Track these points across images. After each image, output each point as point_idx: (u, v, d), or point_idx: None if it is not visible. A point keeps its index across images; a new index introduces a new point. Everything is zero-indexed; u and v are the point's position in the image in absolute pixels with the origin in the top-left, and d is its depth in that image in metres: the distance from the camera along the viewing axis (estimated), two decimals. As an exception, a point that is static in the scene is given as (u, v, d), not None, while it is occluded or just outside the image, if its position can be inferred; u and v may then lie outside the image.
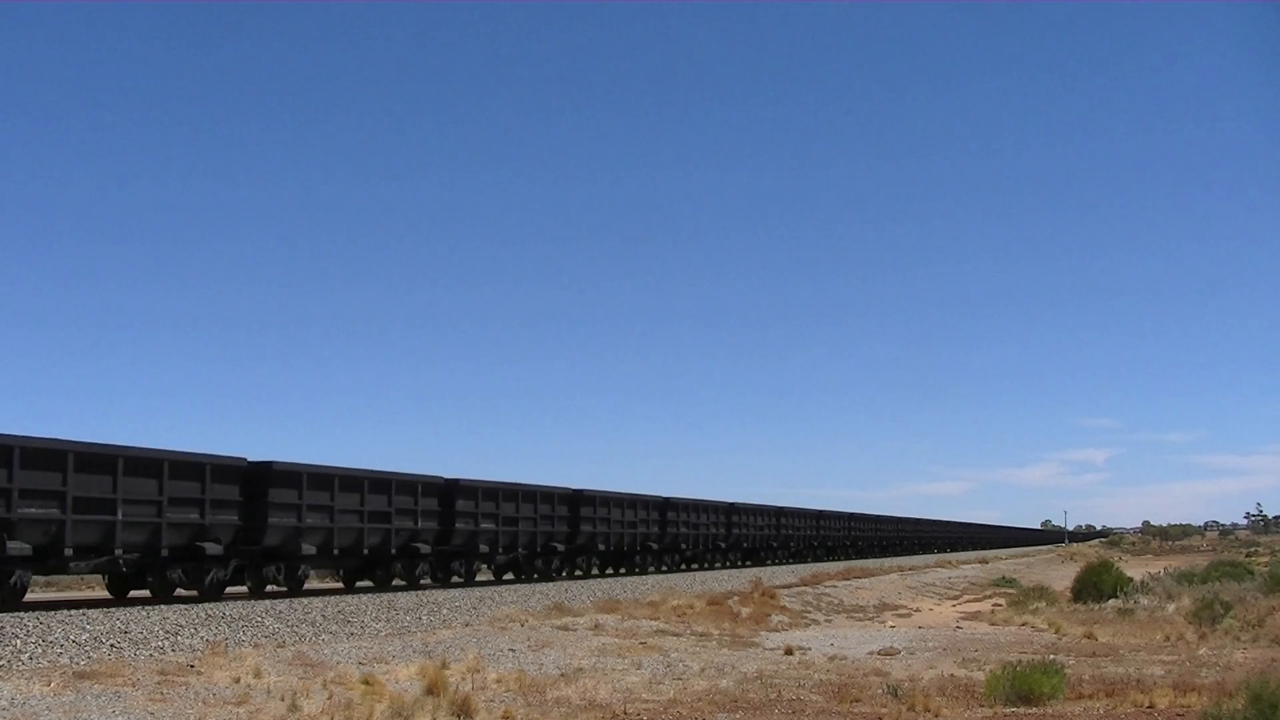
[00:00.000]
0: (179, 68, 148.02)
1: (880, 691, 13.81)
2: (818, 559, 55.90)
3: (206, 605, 19.28)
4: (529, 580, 31.17)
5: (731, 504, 45.45)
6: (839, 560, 56.41)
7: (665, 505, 38.98)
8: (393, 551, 25.62)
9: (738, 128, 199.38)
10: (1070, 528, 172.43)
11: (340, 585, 27.02)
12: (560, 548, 32.45)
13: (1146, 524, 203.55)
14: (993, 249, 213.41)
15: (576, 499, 33.37)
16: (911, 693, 13.26)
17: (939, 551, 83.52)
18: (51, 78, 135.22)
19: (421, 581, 26.80)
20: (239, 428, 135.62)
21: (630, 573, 36.90)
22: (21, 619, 15.68)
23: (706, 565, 43.10)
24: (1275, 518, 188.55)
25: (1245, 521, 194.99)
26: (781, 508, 52.24)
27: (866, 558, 62.33)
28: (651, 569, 38.58)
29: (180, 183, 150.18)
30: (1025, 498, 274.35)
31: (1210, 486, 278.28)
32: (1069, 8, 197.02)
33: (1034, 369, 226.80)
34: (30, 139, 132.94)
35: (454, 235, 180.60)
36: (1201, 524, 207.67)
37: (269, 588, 22.80)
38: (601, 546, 34.80)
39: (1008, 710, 12.63)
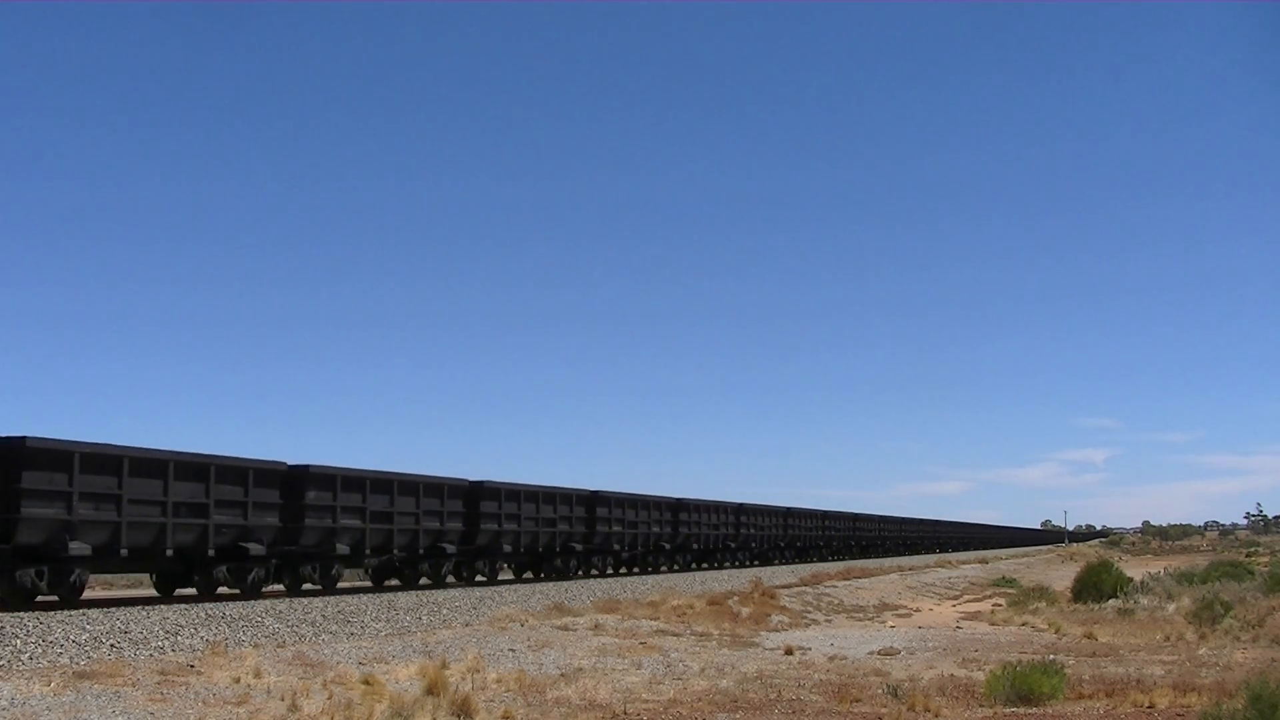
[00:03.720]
0: (179, 68, 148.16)
1: (880, 691, 13.80)
2: (823, 559, 56.49)
3: (206, 605, 19.29)
4: (550, 579, 31.91)
5: (740, 504, 45.66)
6: (844, 560, 56.64)
7: (678, 506, 39.41)
8: (421, 551, 26.55)
9: (738, 128, 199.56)
10: (1070, 528, 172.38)
11: (369, 584, 27.64)
12: (578, 547, 33.28)
13: (1146, 524, 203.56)
14: (993, 249, 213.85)
15: (593, 500, 34.14)
16: (911, 693, 13.25)
17: (939, 551, 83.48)
18: (51, 78, 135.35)
19: (447, 580, 27.65)
20: (247, 427, 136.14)
21: (644, 572, 37.69)
22: (21, 619, 15.68)
23: (716, 565, 43.41)
24: (1275, 518, 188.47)
25: (1245, 521, 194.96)
26: (789, 508, 52.59)
27: (869, 557, 62.45)
28: (664, 568, 39.42)
29: (180, 183, 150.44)
30: (1025, 498, 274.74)
31: (1210, 486, 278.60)
32: (1069, 8, 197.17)
33: (1034, 369, 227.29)
34: (30, 139, 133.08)
35: (459, 236, 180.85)
36: (1201, 524, 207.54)
37: (304, 586, 23.72)
38: (617, 546, 35.58)
39: (1008, 710, 12.62)
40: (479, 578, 29.19)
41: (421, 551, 26.50)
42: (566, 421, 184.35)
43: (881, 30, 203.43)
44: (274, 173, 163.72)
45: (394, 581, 27.15)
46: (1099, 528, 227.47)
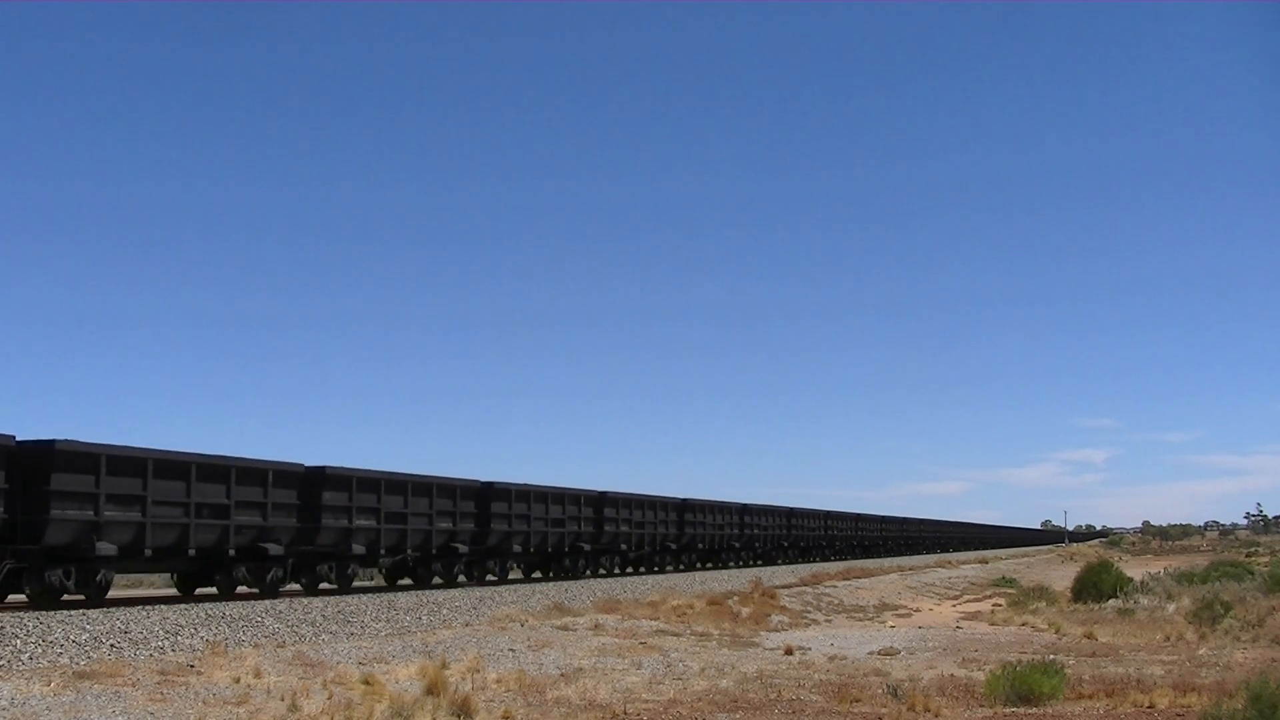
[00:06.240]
0: (179, 68, 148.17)
1: (880, 691, 13.80)
2: (825, 559, 58.07)
3: (206, 605, 19.32)
4: (649, 573, 37.55)
5: (745, 505, 47.73)
6: (846, 560, 57.36)
7: (683, 507, 41.14)
8: (565, 549, 32.58)
9: (738, 128, 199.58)
10: (1070, 528, 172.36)
11: (520, 577, 32.83)
12: (674, 546, 39.87)
13: (1146, 524, 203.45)
14: (993, 249, 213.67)
15: (683, 507, 40.44)
16: (911, 693, 13.25)
17: (939, 551, 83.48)
18: (51, 78, 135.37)
19: (585, 573, 33.47)
20: (245, 427, 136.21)
21: (717, 567, 43.72)
22: (21, 619, 15.68)
23: (720, 565, 45.11)
24: (1275, 518, 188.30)
25: (1245, 521, 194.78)
26: (792, 508, 54.31)
27: (870, 557, 62.77)
28: (731, 564, 45.48)
29: (180, 183, 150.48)
30: (1025, 498, 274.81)
31: (1210, 486, 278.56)
32: (1069, 8, 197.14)
33: (1034, 369, 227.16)
34: (30, 139, 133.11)
35: (459, 236, 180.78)
36: (1201, 524, 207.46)
37: (488, 578, 29.78)
38: (700, 545, 42.00)
39: (1008, 710, 12.62)
40: (601, 570, 34.88)
41: (566, 549, 32.51)
42: (564, 421, 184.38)
43: (881, 30, 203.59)
44: (274, 173, 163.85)
45: (537, 574, 33.07)
46: (1099, 528, 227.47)
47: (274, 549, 22.04)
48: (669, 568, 39.54)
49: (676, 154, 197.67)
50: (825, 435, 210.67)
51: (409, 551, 26.22)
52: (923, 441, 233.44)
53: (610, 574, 35.22)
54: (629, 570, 37.46)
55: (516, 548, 30.27)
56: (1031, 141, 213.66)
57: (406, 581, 27.80)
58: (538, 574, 33.03)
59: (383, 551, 25.18)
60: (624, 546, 35.97)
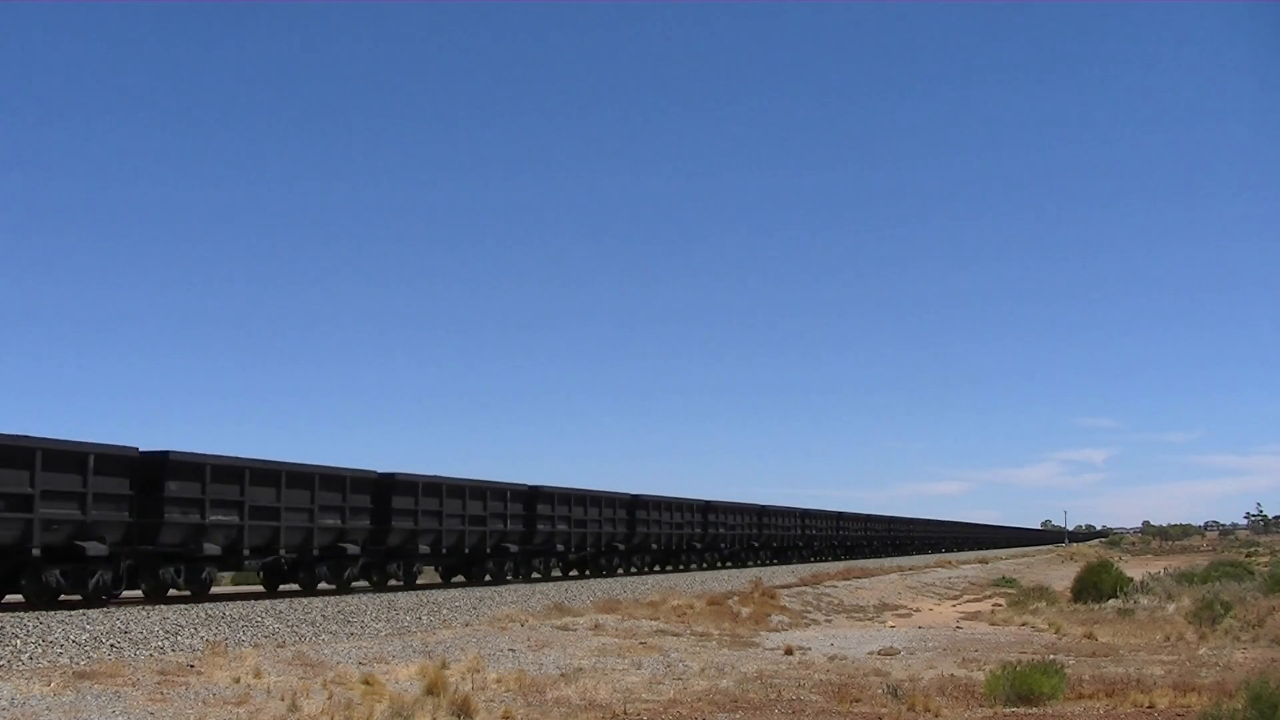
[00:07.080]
0: (179, 68, 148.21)
1: (880, 691, 13.80)
2: (865, 556, 59.41)
3: (206, 605, 19.33)
4: (594, 576, 35.38)
5: (708, 502, 45.00)
6: (826, 562, 56.38)
7: (634, 504, 38.77)
8: (488, 550, 29.96)
9: (738, 128, 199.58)
10: (1070, 528, 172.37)
11: (439, 581, 30.42)
12: (622, 547, 37.78)
13: (1146, 524, 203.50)
14: (993, 249, 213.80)
15: (634, 504, 38.67)
16: (911, 693, 13.25)
17: (939, 551, 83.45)
18: (51, 78, 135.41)
19: (515, 577, 31.23)
20: (239, 426, 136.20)
21: (676, 570, 42.04)
22: (21, 619, 15.69)
23: (680, 567, 42.84)
24: (1275, 518, 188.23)
25: (1245, 521, 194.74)
26: (764, 506, 52.36)
27: (856, 558, 61.84)
28: (693, 566, 43.90)
29: (180, 183, 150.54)
30: (1025, 498, 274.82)
31: (1210, 486, 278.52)
32: (1069, 8, 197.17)
33: (1034, 369, 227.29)
34: (30, 139, 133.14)
35: (459, 235, 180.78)
36: (1201, 524, 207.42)
37: (391, 582, 27.01)
38: (655, 546, 40.55)
39: (1008, 710, 12.62)
40: (535, 574, 32.75)
41: (489, 550, 29.87)
42: (577, 423, 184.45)
43: (881, 30, 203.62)
44: (274, 173, 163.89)
45: (458, 578, 30.54)
46: (1099, 528, 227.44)
47: (95, 548, 18.82)
48: (619, 571, 36.80)
49: (677, 154, 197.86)
50: (825, 436, 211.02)
51: (282, 553, 23.02)
52: (923, 441, 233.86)
53: (546, 578, 32.72)
54: (572, 574, 35.10)
55: (424, 548, 27.32)
56: (1031, 142, 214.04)
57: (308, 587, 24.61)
58: (460, 578, 30.17)
59: (247, 552, 22.01)
60: (560, 547, 32.78)
